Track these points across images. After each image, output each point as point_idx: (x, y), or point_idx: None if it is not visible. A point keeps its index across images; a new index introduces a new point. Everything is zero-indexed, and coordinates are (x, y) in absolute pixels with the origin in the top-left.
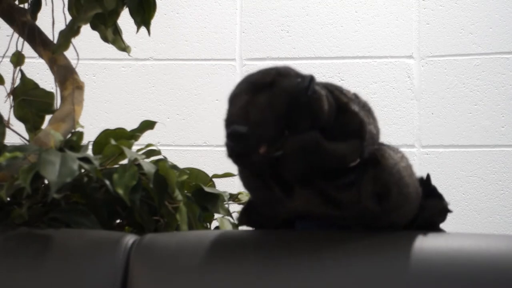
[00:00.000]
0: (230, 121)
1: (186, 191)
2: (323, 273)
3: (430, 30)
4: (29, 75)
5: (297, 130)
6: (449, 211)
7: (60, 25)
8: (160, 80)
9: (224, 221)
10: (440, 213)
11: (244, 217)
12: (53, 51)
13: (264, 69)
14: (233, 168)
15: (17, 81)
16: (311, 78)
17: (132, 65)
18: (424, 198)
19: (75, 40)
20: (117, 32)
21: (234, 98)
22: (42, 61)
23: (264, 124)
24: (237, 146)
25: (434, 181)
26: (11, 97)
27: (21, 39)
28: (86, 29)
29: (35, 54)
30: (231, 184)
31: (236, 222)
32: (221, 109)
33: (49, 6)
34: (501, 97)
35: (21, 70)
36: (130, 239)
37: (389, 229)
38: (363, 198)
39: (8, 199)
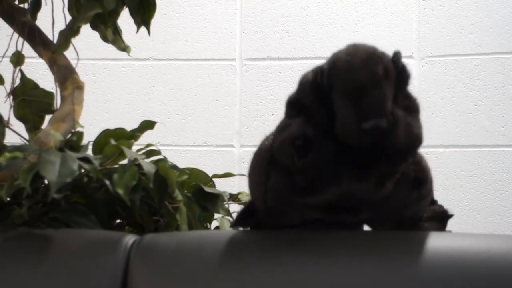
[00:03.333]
0: (370, 116)
1: (186, 191)
2: (324, 273)
3: (430, 30)
4: (29, 75)
5: None
6: (449, 216)
7: (60, 25)
8: (160, 80)
9: (224, 221)
10: (441, 218)
11: (240, 220)
12: (53, 51)
13: (368, 53)
14: (233, 168)
15: (17, 81)
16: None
17: (132, 65)
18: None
19: (75, 40)
20: (117, 32)
21: (362, 90)
22: (42, 61)
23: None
24: (374, 135)
25: (434, 181)
26: (11, 97)
27: (21, 39)
28: (86, 29)
29: (35, 54)
30: (231, 184)
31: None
32: (221, 109)
33: (49, 6)
34: (501, 97)
35: (21, 70)
36: (130, 239)
37: (389, 230)
38: (406, 182)
39: (8, 199)
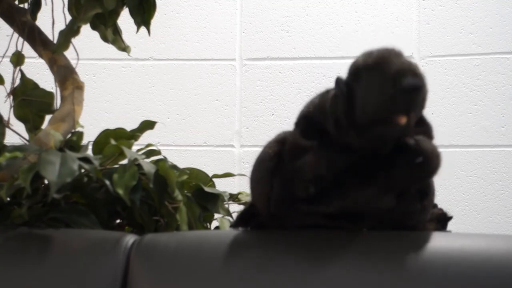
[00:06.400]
0: (401, 73)
1: (186, 191)
2: (323, 273)
3: (430, 30)
4: (29, 75)
5: None
6: (449, 218)
7: (60, 25)
8: (160, 80)
9: (224, 221)
10: (440, 220)
11: (241, 221)
12: (53, 51)
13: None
14: (233, 168)
15: (17, 81)
16: None
17: (132, 65)
18: None
19: (75, 40)
20: (117, 32)
21: (391, 55)
22: (42, 61)
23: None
24: (409, 101)
25: (434, 181)
26: (11, 97)
27: (21, 39)
28: (86, 29)
29: (35, 54)
30: (231, 184)
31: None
32: (221, 109)
33: (49, 6)
34: (501, 97)
35: (21, 70)
36: (130, 239)
37: (389, 230)
38: (410, 195)
39: (8, 199)
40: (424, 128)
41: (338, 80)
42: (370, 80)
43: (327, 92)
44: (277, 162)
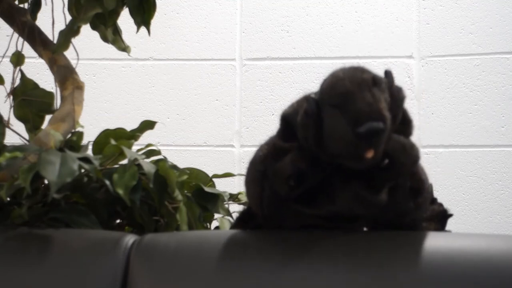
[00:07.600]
0: (359, 119)
1: (186, 191)
2: (323, 273)
3: (430, 30)
4: (29, 75)
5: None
6: (449, 215)
7: (60, 25)
8: (160, 80)
9: (224, 221)
10: (440, 217)
11: (240, 223)
12: (53, 51)
13: (352, 68)
14: (233, 168)
15: (17, 81)
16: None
17: (132, 65)
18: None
19: (75, 40)
20: (117, 32)
21: (354, 93)
22: (42, 61)
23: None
24: (372, 144)
25: (434, 181)
26: (11, 97)
27: (21, 39)
28: (86, 29)
29: (35, 54)
30: (231, 184)
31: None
32: (221, 109)
33: (49, 6)
34: (501, 97)
35: (21, 70)
36: (130, 239)
37: (388, 230)
38: (402, 193)
39: (8, 199)
40: (404, 126)
41: (309, 100)
42: (332, 119)
43: (306, 98)
44: (268, 164)
